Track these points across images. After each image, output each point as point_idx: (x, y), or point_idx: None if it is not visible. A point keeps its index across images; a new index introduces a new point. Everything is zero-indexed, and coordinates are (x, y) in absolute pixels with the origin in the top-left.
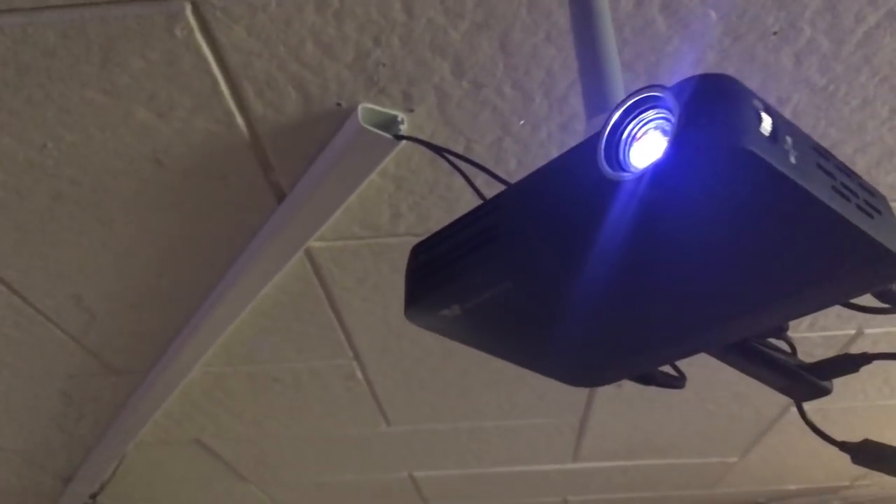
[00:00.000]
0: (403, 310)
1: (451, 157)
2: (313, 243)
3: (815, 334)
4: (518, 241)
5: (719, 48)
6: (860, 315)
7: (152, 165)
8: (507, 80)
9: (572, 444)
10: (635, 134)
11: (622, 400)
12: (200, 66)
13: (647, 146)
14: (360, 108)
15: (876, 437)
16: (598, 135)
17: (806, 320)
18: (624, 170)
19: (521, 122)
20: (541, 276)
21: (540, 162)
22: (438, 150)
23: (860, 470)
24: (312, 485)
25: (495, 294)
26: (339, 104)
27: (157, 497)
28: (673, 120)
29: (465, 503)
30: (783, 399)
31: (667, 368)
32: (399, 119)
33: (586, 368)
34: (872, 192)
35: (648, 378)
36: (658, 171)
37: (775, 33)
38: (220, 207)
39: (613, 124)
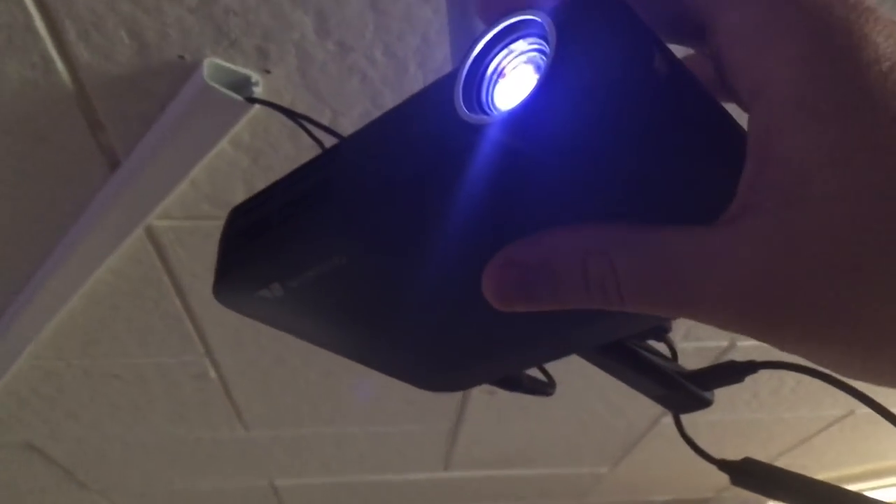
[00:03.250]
0: (212, 288)
1: (311, 127)
2: (156, 221)
3: (688, 344)
4: (354, 202)
5: None
6: None
7: None
8: (379, 43)
9: (443, 451)
10: (502, 69)
11: (496, 407)
12: None
13: (516, 84)
14: (205, 62)
15: (741, 450)
16: (458, 69)
17: (680, 330)
18: (486, 112)
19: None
20: (380, 247)
21: None
22: (295, 117)
23: (724, 483)
24: (164, 493)
25: (326, 270)
26: (181, 56)
27: None
28: (548, 50)
29: None
30: (655, 410)
31: (535, 372)
32: (253, 80)
33: (437, 369)
34: None
35: (514, 383)
36: (520, 114)
37: None
38: (42, 174)
39: (476, 56)
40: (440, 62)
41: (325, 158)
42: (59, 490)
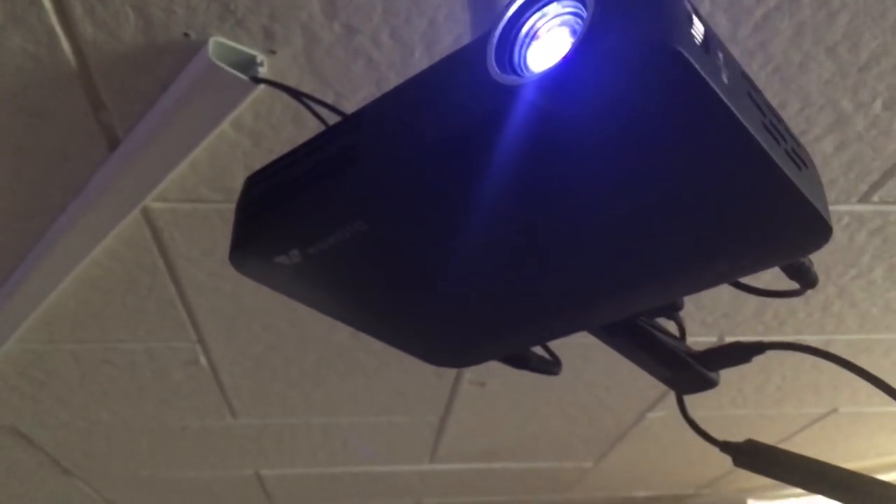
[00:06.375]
0: (228, 254)
1: (317, 107)
2: (153, 203)
3: None
4: (380, 166)
5: None
6: (723, 322)
7: None
8: (385, 27)
9: (430, 444)
10: (536, 31)
11: (484, 400)
12: None
13: (550, 46)
14: (211, 41)
15: None
16: (490, 31)
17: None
18: (518, 74)
19: None
20: (403, 213)
21: None
22: (299, 97)
23: (704, 479)
24: (148, 481)
25: (346, 237)
26: (186, 34)
27: None
28: (585, 14)
29: None
30: (641, 405)
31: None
32: (258, 60)
33: (452, 343)
34: (799, 142)
35: (522, 361)
36: (557, 75)
37: None
38: (39, 151)
39: (510, 18)
40: (447, 47)
41: (348, 125)
42: (43, 476)
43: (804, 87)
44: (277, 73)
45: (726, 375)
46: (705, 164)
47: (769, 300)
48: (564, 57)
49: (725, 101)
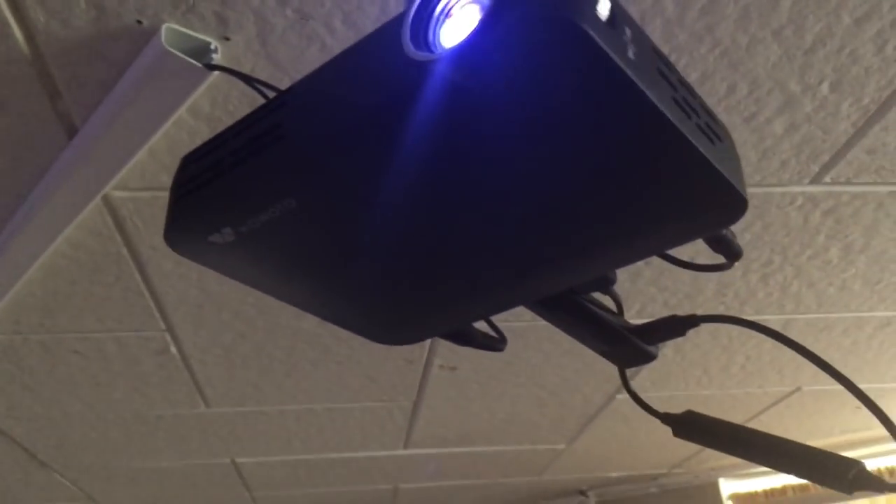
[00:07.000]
0: (163, 234)
1: (271, 93)
2: (114, 192)
3: (641, 322)
4: (306, 144)
5: None
6: (685, 303)
7: None
8: (338, 12)
9: (404, 429)
10: (449, 9)
11: (456, 384)
12: None
13: (462, 24)
14: (164, 27)
15: None
16: (406, 9)
17: (634, 307)
18: (432, 50)
19: None
20: (329, 188)
21: None
22: (252, 83)
23: (676, 458)
24: (124, 471)
25: (277, 215)
26: (139, 21)
27: None
28: None
29: (292, 491)
30: (610, 387)
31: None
32: (212, 47)
33: (389, 321)
34: (714, 117)
35: (467, 337)
36: (465, 50)
37: None
38: None
39: None
40: None
41: (276, 103)
42: (18, 469)
43: (752, 70)
44: (232, 60)
45: (692, 356)
46: (615, 138)
47: (730, 281)
48: (469, 34)
49: (630, 74)
